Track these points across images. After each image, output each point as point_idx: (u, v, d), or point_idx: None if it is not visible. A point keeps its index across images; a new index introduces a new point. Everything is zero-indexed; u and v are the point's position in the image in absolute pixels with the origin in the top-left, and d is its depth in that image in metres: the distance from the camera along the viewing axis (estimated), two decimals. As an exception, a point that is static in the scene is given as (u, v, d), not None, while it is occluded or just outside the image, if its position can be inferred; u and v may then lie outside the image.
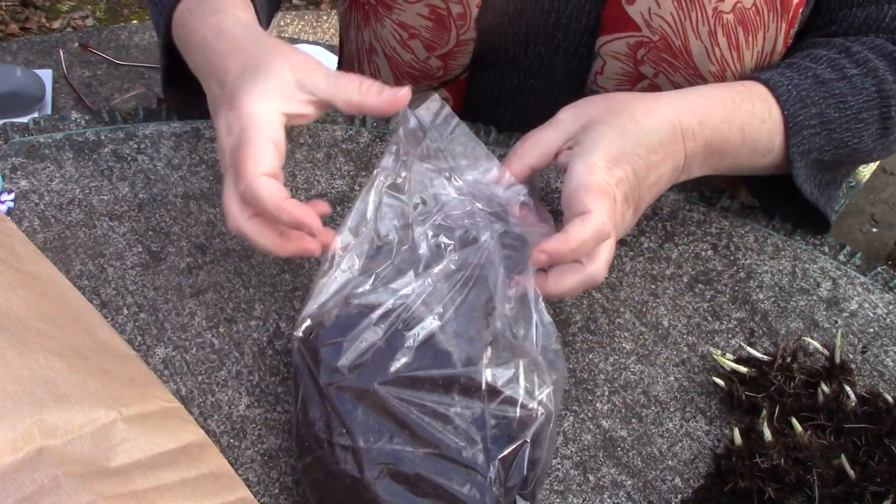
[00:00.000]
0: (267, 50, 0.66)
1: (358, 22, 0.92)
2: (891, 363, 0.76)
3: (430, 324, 0.62)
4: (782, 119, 0.76)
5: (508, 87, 0.93)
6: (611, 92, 0.89)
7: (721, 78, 0.83)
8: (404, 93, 0.65)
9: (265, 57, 0.65)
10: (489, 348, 0.62)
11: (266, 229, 0.64)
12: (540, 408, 0.61)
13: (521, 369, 0.61)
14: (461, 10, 0.83)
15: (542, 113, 0.93)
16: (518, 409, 0.60)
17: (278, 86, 0.64)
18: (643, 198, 0.71)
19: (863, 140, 0.80)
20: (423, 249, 0.65)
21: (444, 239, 0.66)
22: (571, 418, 0.70)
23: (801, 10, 0.79)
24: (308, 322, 0.65)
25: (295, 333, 0.65)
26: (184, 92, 0.83)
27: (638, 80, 0.86)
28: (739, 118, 0.75)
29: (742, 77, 0.82)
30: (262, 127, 0.62)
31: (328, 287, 0.64)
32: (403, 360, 0.60)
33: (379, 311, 0.62)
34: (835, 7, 0.83)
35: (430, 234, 0.66)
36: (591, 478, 0.67)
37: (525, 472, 0.59)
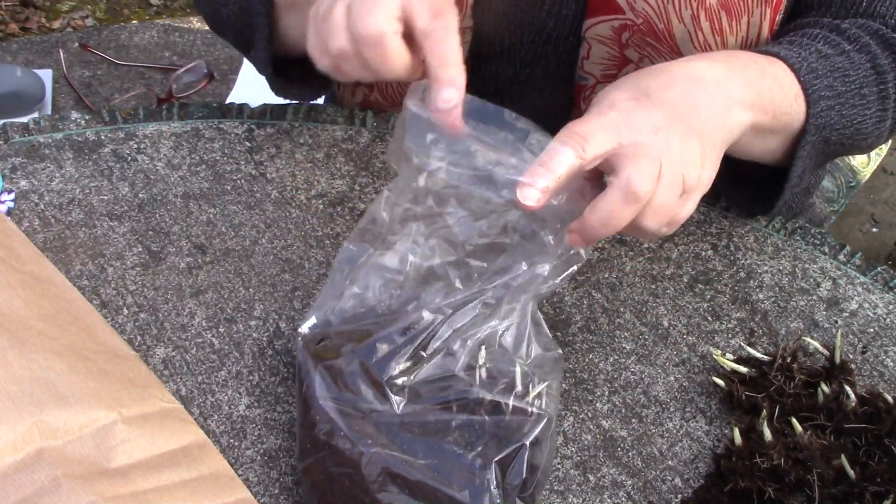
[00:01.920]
0: None
1: None
2: (891, 363, 0.76)
3: (434, 344, 0.61)
4: (801, 88, 0.75)
5: (504, 80, 0.94)
6: (598, 77, 0.89)
7: None
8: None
9: None
10: (484, 354, 0.62)
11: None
12: (537, 411, 0.61)
13: (519, 375, 0.61)
14: None
15: (538, 104, 0.92)
16: (515, 414, 0.60)
17: None
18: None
19: (865, 120, 0.80)
20: (456, 283, 0.63)
21: (477, 263, 0.63)
22: (571, 418, 0.70)
23: None
24: (313, 320, 0.64)
25: (300, 329, 0.64)
26: (291, 77, 0.85)
27: (623, 65, 0.87)
28: (765, 80, 0.73)
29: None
30: None
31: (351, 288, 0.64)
32: (403, 367, 0.60)
33: (388, 329, 0.62)
34: None
35: (465, 262, 0.63)
36: (591, 478, 0.67)
37: (524, 475, 0.59)
